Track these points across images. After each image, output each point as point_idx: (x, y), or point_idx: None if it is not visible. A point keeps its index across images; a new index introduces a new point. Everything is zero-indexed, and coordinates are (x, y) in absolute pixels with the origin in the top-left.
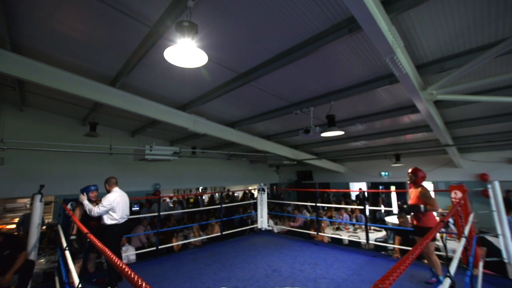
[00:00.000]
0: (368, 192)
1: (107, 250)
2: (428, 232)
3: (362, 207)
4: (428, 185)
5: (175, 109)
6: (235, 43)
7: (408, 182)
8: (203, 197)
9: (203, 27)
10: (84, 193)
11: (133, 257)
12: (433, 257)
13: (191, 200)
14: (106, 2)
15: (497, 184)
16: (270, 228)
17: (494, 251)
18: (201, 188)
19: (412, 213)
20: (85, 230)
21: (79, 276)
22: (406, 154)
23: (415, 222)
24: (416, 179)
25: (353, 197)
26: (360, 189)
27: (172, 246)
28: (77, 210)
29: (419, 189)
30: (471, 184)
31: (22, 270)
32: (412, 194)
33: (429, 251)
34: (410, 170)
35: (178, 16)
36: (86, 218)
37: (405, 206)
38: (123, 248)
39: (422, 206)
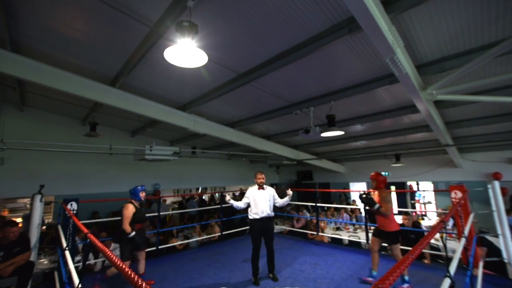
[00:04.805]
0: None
1: (107, 250)
2: (392, 236)
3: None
4: (428, 185)
5: (175, 109)
6: (235, 43)
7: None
8: (203, 197)
9: (203, 27)
10: (229, 193)
11: None
12: (400, 255)
13: None
14: (106, 2)
15: (497, 184)
16: None
17: (494, 251)
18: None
19: (368, 208)
20: (85, 230)
21: (79, 276)
22: (406, 154)
23: (379, 226)
24: (377, 183)
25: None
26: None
27: (172, 246)
28: (129, 207)
29: (381, 191)
30: (471, 184)
31: (22, 271)
32: (375, 195)
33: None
34: (370, 176)
35: (178, 16)
36: (134, 219)
37: (364, 195)
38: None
39: (378, 205)
